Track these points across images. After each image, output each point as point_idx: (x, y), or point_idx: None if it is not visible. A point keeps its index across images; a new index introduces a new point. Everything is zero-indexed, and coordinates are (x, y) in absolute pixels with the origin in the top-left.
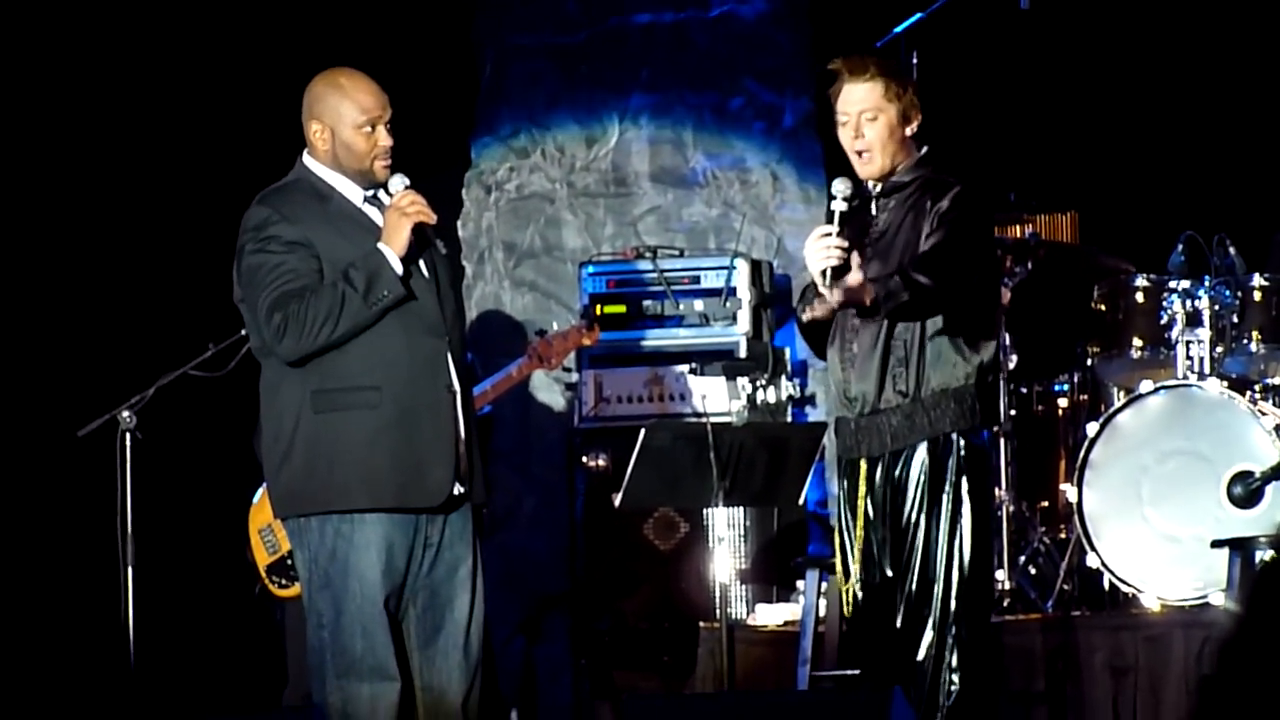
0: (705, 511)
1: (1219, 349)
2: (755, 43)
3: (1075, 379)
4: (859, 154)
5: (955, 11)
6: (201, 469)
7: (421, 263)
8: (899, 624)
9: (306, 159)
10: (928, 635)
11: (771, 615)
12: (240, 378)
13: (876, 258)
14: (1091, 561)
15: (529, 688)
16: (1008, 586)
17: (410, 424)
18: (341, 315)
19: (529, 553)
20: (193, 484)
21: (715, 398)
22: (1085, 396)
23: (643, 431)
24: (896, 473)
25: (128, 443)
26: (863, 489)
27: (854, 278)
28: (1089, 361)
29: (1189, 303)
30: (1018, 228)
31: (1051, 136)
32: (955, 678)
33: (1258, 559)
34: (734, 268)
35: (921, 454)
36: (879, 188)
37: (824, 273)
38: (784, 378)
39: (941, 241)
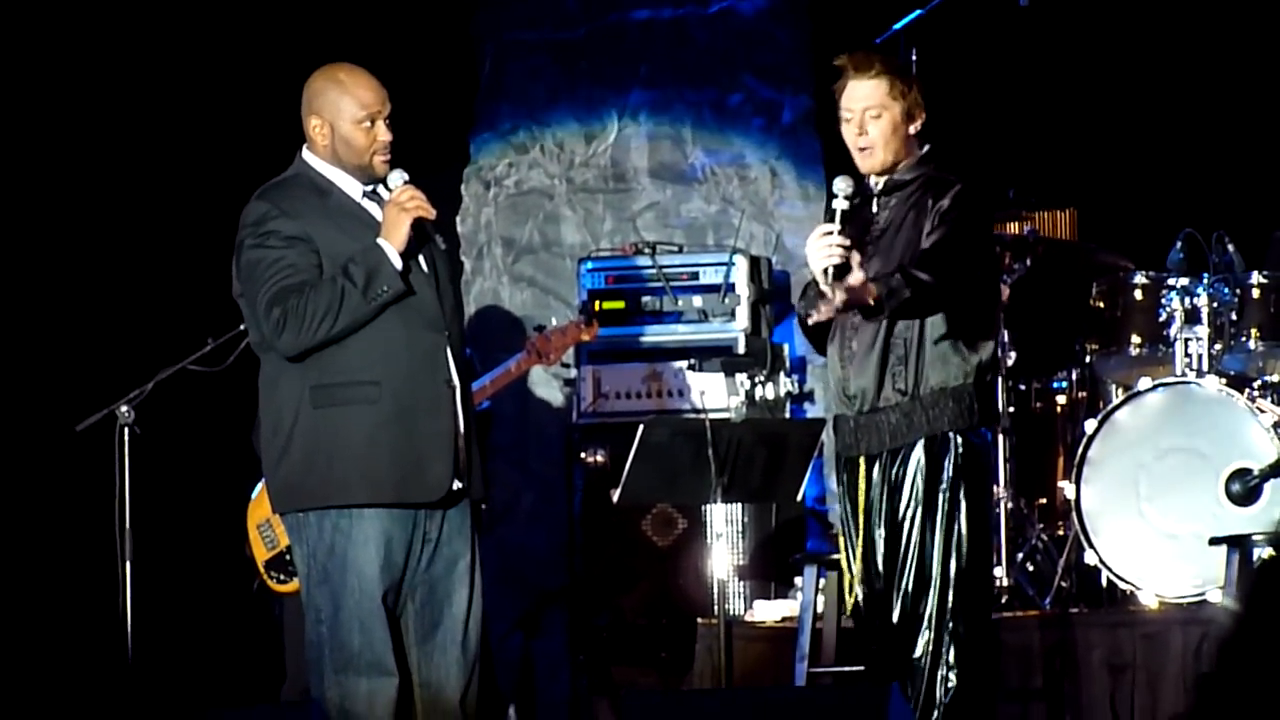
0: (703, 507)
1: (1217, 346)
2: (754, 39)
3: (1074, 376)
4: (861, 150)
5: (954, 8)
6: (200, 464)
7: (421, 258)
8: (896, 621)
9: (306, 154)
10: (925, 633)
11: (769, 611)
12: (239, 373)
13: (877, 255)
14: (1089, 558)
15: (527, 683)
16: (1006, 583)
17: (409, 419)
18: (341, 310)
19: (527, 548)
20: (191, 479)
21: (714, 394)
22: (1084, 394)
23: (641, 427)
24: (894, 471)
25: (126, 438)
26: (862, 486)
27: (856, 278)
28: (1087, 359)
29: (1188, 300)
30: (1016, 225)
31: (1050, 133)
32: (952, 675)
33: (1256, 556)
34: (733, 264)
35: (919, 452)
36: (880, 185)
37: (826, 271)
38: (782, 374)
39: (942, 240)
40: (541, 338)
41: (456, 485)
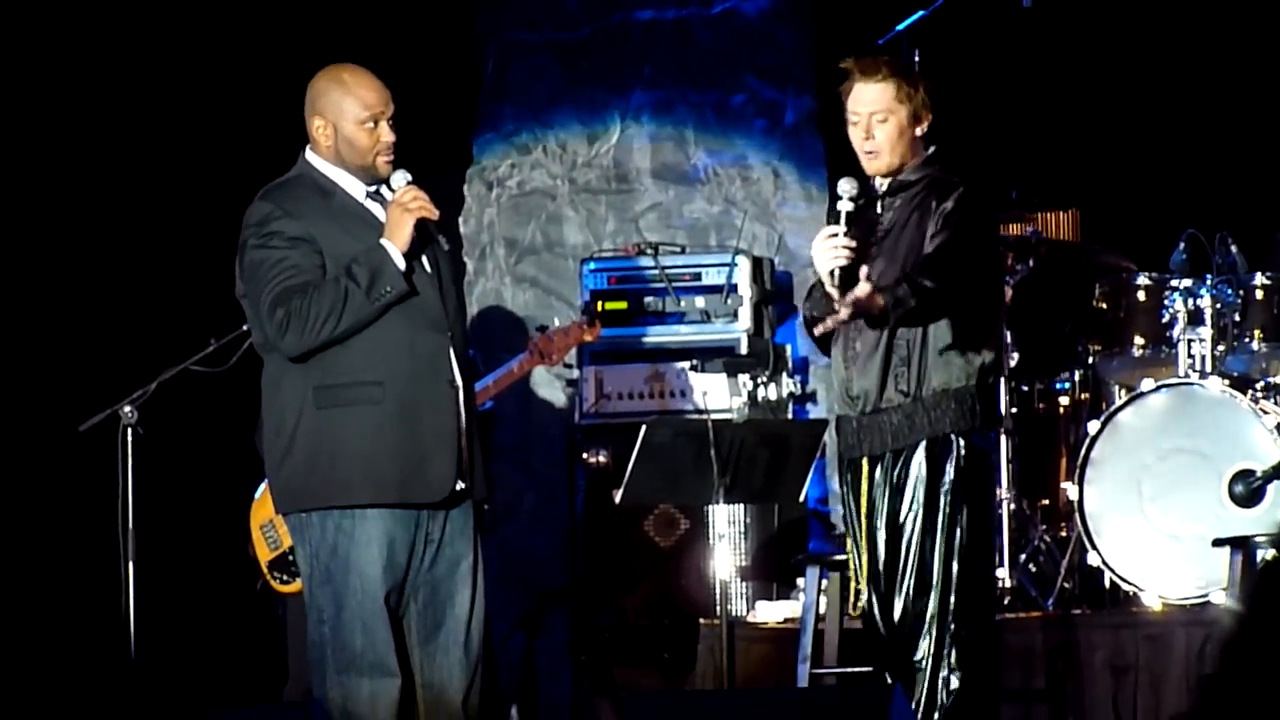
0: (706, 508)
1: (1220, 347)
2: (757, 40)
3: (1076, 377)
4: (868, 154)
5: (957, 9)
6: (203, 464)
7: (424, 258)
8: (898, 622)
9: (309, 154)
10: (926, 634)
11: (771, 612)
12: (242, 373)
13: (881, 256)
14: (1092, 560)
15: (529, 684)
16: (1008, 584)
17: (412, 419)
18: (344, 311)
19: (529, 549)
20: (194, 479)
21: (716, 394)
22: (1086, 395)
23: (643, 428)
24: (896, 472)
25: (129, 438)
26: (864, 488)
27: (863, 289)
28: (1090, 360)
29: (1190, 301)
30: (1019, 225)
31: (1053, 134)
32: (954, 677)
33: (1258, 558)
34: (735, 265)
35: (921, 454)
36: (885, 186)
37: (832, 273)
38: (785, 375)
39: (945, 242)
40: (544, 338)
41: (459, 486)
